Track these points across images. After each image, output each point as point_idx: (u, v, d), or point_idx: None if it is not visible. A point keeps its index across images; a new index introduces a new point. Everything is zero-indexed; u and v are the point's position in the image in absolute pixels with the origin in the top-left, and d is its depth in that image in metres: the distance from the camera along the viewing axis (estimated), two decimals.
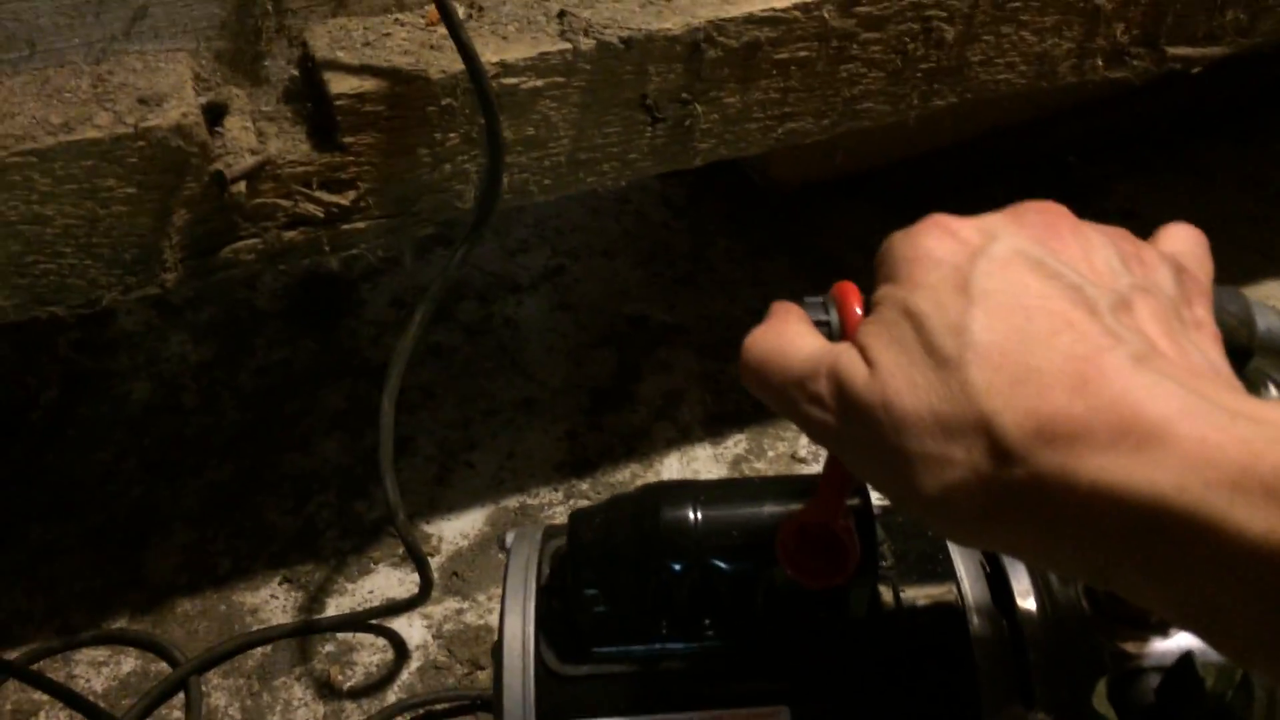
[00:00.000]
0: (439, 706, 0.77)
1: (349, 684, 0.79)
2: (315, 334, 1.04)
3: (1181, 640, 0.44)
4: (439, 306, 0.69)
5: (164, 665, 0.80)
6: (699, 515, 0.49)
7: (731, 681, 0.50)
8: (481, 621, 0.82)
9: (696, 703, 0.49)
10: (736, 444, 0.94)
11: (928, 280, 0.35)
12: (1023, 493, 0.30)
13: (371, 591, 0.84)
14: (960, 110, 0.85)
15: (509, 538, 0.57)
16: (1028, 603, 0.50)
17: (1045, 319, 0.32)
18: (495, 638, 0.52)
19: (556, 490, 0.91)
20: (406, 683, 0.79)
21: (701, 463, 0.93)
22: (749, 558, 0.49)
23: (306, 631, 0.81)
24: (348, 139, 0.62)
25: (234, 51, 0.63)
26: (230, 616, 0.83)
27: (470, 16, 0.65)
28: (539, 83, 0.64)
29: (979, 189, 0.91)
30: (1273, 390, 0.41)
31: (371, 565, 0.86)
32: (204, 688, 0.78)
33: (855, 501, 0.47)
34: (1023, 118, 1.13)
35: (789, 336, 0.38)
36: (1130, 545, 0.29)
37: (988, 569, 0.53)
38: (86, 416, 0.97)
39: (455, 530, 0.88)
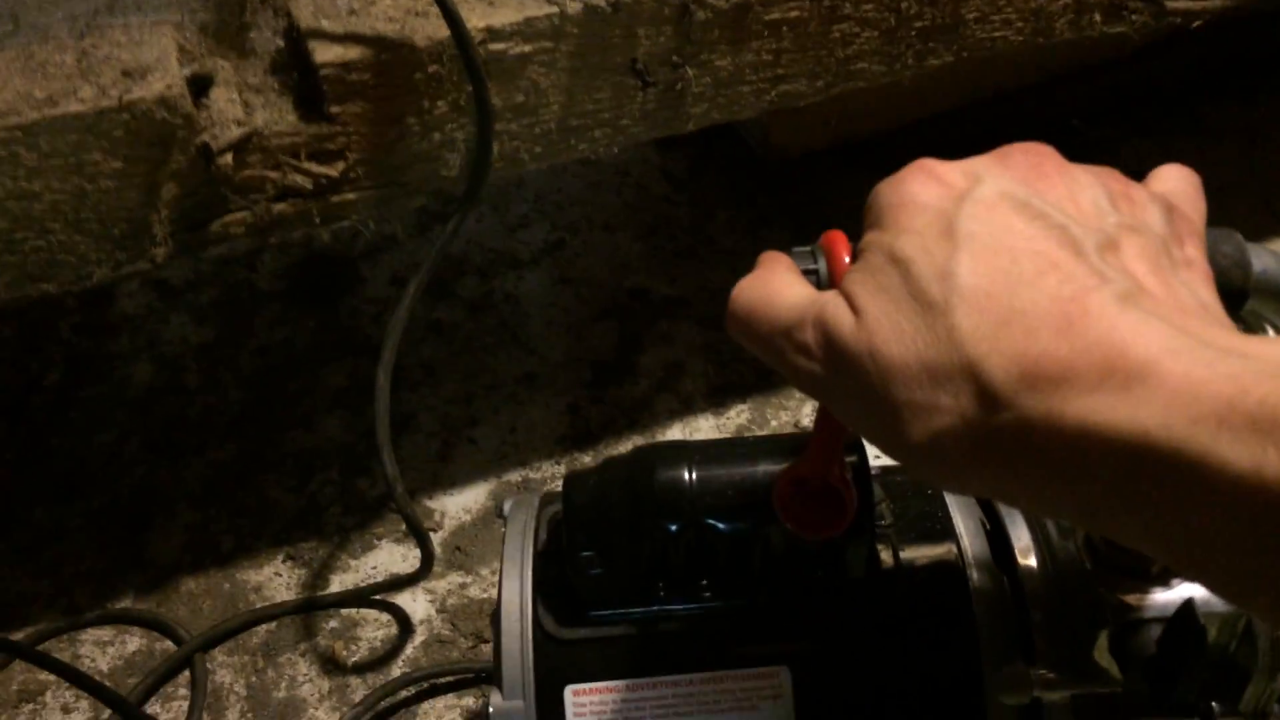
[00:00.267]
0: (443, 680, 0.77)
1: (353, 659, 0.79)
2: (316, 313, 1.04)
3: (1182, 591, 0.44)
4: (436, 280, 0.69)
5: (169, 644, 0.80)
6: (693, 475, 0.49)
7: (730, 643, 0.50)
8: (485, 595, 0.82)
9: (695, 664, 0.49)
10: (739, 414, 0.93)
11: (913, 225, 0.34)
12: (1010, 437, 0.30)
13: (375, 567, 0.84)
14: (962, 73, 0.84)
15: (507, 505, 0.57)
16: (1028, 559, 0.49)
17: (1031, 260, 0.32)
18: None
19: (559, 464, 0.90)
20: (410, 657, 0.79)
21: (704, 433, 0.92)
22: (745, 517, 0.49)
23: (310, 608, 0.81)
24: (335, 109, 0.61)
25: (219, 23, 0.63)
26: (234, 594, 0.83)
27: None
28: (527, 48, 0.63)
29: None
30: (1270, 332, 0.40)
31: (375, 541, 0.86)
32: (209, 665, 0.78)
33: (853, 459, 0.47)
34: (1026, 81, 1.11)
35: (776, 286, 0.38)
36: (1119, 485, 0.28)
37: (988, 526, 0.52)
38: (88, 399, 0.97)
39: (458, 505, 0.88)
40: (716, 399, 0.95)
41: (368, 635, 0.80)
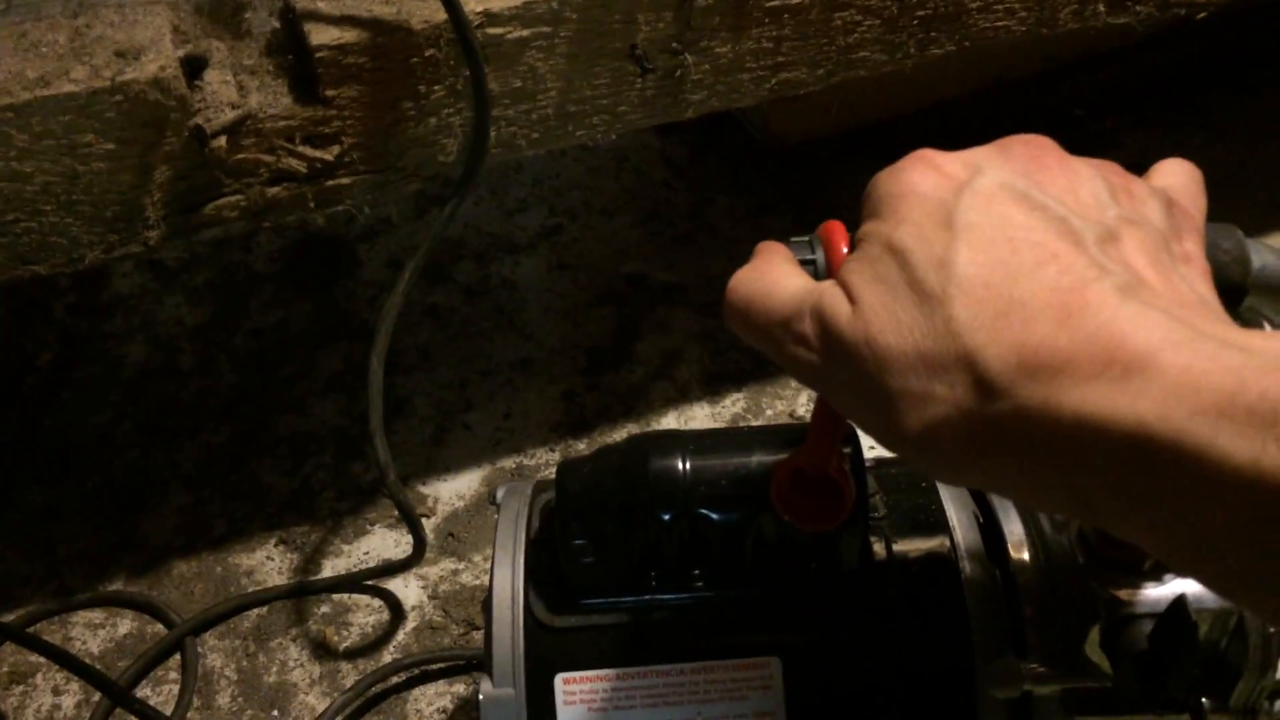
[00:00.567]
0: (434, 666, 0.77)
1: (345, 644, 0.79)
2: (311, 296, 1.03)
3: (1175, 586, 0.44)
4: (432, 264, 0.68)
5: (160, 627, 0.80)
6: (687, 465, 0.49)
7: (721, 633, 0.49)
8: (477, 582, 0.81)
9: (686, 654, 0.49)
10: (734, 403, 0.93)
11: (911, 215, 0.34)
12: (1007, 427, 0.30)
13: (367, 553, 0.84)
14: (965, 62, 0.84)
15: (500, 492, 0.57)
16: (1021, 553, 0.49)
17: (1030, 251, 0.32)
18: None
19: (553, 450, 0.90)
20: (402, 643, 0.78)
21: (699, 422, 0.92)
22: (738, 507, 0.48)
23: (302, 593, 0.81)
24: (330, 92, 0.61)
25: (214, 3, 0.62)
26: (226, 578, 0.82)
27: None
28: (525, 33, 0.63)
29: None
30: (1267, 328, 0.40)
31: (367, 527, 0.85)
32: (200, 649, 0.78)
33: (847, 450, 0.47)
34: (1029, 70, 1.11)
35: (774, 276, 0.38)
36: (1115, 477, 0.28)
37: (981, 519, 0.52)
38: (82, 380, 0.97)
39: (451, 491, 0.88)
40: (712, 387, 0.94)
41: (359, 620, 0.80)
